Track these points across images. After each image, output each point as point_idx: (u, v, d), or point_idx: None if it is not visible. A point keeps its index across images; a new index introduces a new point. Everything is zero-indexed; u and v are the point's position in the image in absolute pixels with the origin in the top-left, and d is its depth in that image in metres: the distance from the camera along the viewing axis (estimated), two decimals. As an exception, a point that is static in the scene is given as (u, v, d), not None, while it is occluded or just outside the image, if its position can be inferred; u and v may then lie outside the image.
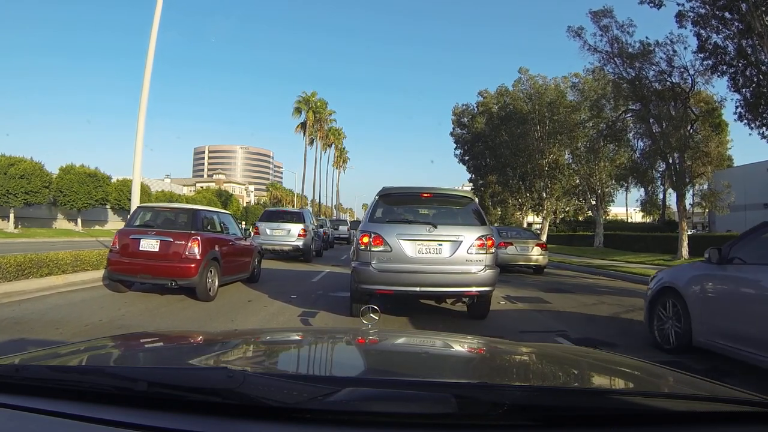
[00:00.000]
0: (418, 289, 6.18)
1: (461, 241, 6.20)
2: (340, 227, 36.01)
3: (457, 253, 6.18)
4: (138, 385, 1.00)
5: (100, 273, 9.76)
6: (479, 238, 6.24)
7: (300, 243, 16.13)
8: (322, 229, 21.35)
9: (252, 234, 12.03)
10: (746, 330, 4.39)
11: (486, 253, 6.24)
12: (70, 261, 9.25)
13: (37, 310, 6.42)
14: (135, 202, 12.44)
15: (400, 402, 0.99)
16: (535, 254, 14.74)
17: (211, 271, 7.95)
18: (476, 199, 7.29)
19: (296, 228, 16.27)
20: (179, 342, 1.90)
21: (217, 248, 8.28)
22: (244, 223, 51.17)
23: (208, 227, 8.63)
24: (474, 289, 6.22)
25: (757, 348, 4.19)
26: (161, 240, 7.80)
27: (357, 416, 0.97)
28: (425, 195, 6.95)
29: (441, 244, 6.20)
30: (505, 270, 12.57)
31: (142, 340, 1.92)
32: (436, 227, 6.19)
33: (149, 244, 7.78)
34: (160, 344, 1.84)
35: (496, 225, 25.37)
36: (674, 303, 5.34)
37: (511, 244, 14.46)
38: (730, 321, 4.64)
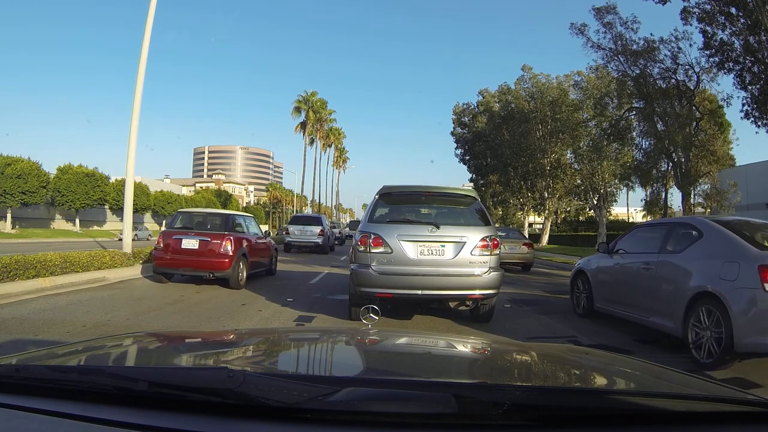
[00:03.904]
0: (419, 292, 5.93)
1: (465, 242, 5.94)
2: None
3: (460, 255, 5.92)
4: (138, 385, 1.00)
5: (90, 275, 9.45)
6: (483, 239, 5.98)
7: (320, 240, 21.08)
8: (336, 230, 28.06)
9: (270, 233, 14.05)
10: (617, 296, 6.62)
11: (490, 255, 5.99)
12: (58, 262, 8.93)
13: (18, 315, 6.08)
14: (128, 203, 12.15)
15: (400, 402, 0.98)
16: (523, 253, 15.92)
17: (240, 265, 9.41)
18: (479, 198, 7.03)
19: (316, 229, 21.21)
20: (179, 342, 1.89)
21: (244, 245, 9.74)
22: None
23: (237, 228, 10.04)
24: (478, 292, 5.97)
25: (625, 308, 6.36)
26: (200, 239, 9.29)
27: (357, 416, 0.96)
28: (427, 194, 6.67)
29: (444, 246, 5.94)
30: None
31: (142, 340, 1.88)
32: (438, 228, 5.94)
33: (190, 243, 9.26)
34: (160, 344, 1.82)
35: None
36: (583, 281, 7.49)
37: (501, 243, 14.81)
38: (611, 291, 6.83)
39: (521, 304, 8.64)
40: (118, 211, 42.00)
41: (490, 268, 5.97)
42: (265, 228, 13.15)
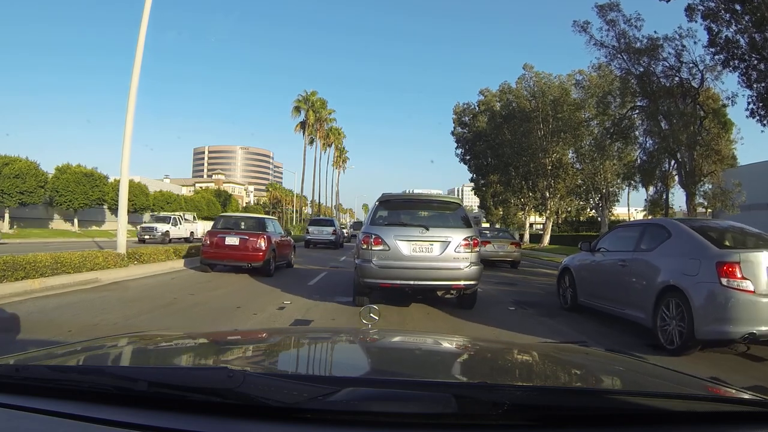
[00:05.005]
0: (412, 282, 6.96)
1: (450, 242, 6.94)
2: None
3: (446, 252, 6.92)
4: (138, 385, 1.00)
5: (82, 276, 9.21)
6: (465, 239, 6.98)
7: (333, 238, 26.11)
8: (344, 230, 35.60)
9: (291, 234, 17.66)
10: (599, 291, 7.09)
11: (471, 252, 6.98)
12: (49, 263, 8.66)
13: (1, 318, 5.84)
14: (123, 202, 11.92)
15: (400, 402, 0.97)
16: (510, 251, 17.17)
17: (270, 258, 11.68)
18: (464, 205, 8.12)
19: (330, 229, 26.68)
20: (179, 342, 1.87)
21: (273, 242, 12.05)
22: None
23: (268, 229, 12.32)
24: (462, 282, 6.98)
25: (604, 301, 6.86)
26: (240, 237, 11.65)
27: (357, 416, 0.95)
28: (419, 201, 8.16)
29: (432, 244, 6.95)
30: (485, 264, 16.01)
31: (142, 340, 1.87)
32: (428, 229, 6.98)
33: (232, 240, 11.62)
34: (160, 344, 1.81)
35: (486, 225, 33.98)
36: (568, 278, 7.98)
37: (490, 242, 16.68)
38: (592, 287, 7.30)
39: (525, 306, 8.40)
40: (117, 210, 41.82)
41: (471, 263, 6.96)
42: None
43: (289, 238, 14.56)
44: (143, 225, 31.28)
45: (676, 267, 5.45)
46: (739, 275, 4.79)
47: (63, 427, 0.95)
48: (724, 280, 4.83)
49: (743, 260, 4.84)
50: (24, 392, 1.05)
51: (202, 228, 34.51)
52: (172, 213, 34.76)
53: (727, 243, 5.55)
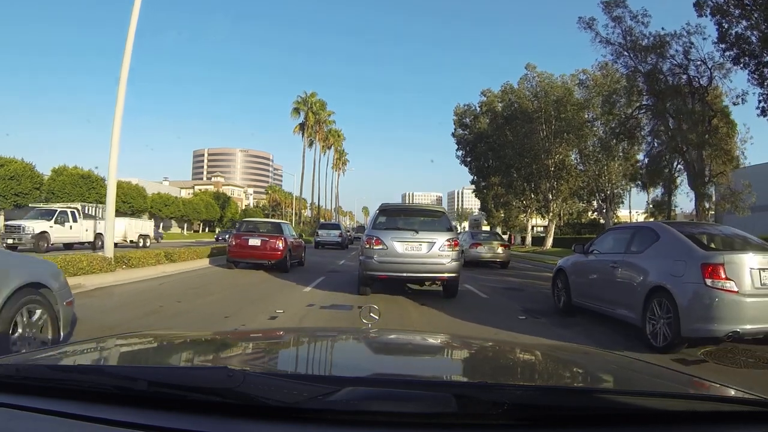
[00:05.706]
0: (405, 274, 8.54)
1: (435, 242, 8.44)
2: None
3: (432, 250, 8.41)
4: (138, 385, 1.00)
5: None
6: (448, 240, 8.53)
7: (339, 240, 29.77)
8: (348, 233, 39.08)
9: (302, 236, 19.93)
10: (590, 291, 7.24)
11: (452, 251, 8.49)
12: (27, 268, 8.10)
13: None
14: (111, 201, 11.41)
15: (400, 402, 0.96)
16: (500, 252, 18.28)
17: (287, 256, 13.50)
18: (447, 213, 9.76)
19: (336, 232, 30.76)
20: (179, 341, 1.85)
21: (289, 243, 13.88)
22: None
23: (284, 232, 14.20)
24: (445, 275, 8.54)
25: (596, 301, 6.99)
26: (262, 239, 13.58)
27: (357, 416, 0.95)
28: (411, 210, 10.29)
29: (421, 244, 8.45)
30: (477, 265, 17.14)
31: (142, 340, 1.85)
32: (417, 232, 8.57)
33: (254, 241, 13.56)
34: (160, 344, 1.80)
35: (487, 229, 38.23)
36: (563, 279, 8.14)
37: (481, 244, 18.24)
38: (585, 287, 7.45)
39: (536, 315, 7.85)
40: (116, 213, 41.08)
41: (452, 259, 8.47)
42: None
43: (300, 240, 16.58)
44: (7, 223, 21.44)
45: (663, 268, 5.62)
46: (723, 276, 4.96)
47: (63, 427, 0.95)
48: (708, 281, 4.99)
49: (727, 262, 5.03)
50: (24, 392, 1.05)
51: (123, 228, 24.59)
52: (67, 205, 22.60)
53: (712, 245, 5.81)
